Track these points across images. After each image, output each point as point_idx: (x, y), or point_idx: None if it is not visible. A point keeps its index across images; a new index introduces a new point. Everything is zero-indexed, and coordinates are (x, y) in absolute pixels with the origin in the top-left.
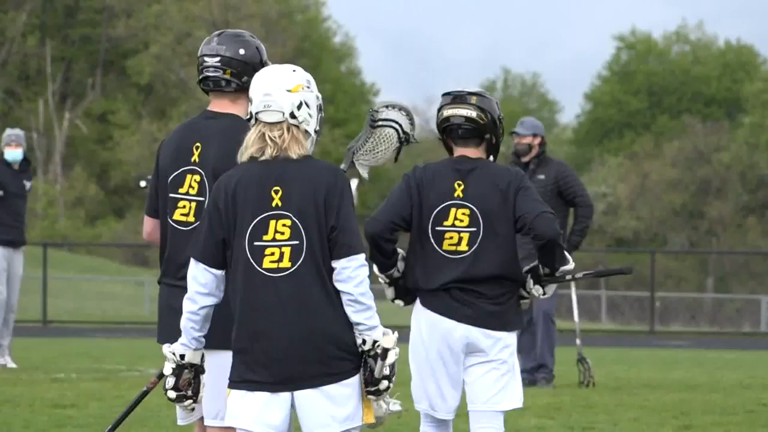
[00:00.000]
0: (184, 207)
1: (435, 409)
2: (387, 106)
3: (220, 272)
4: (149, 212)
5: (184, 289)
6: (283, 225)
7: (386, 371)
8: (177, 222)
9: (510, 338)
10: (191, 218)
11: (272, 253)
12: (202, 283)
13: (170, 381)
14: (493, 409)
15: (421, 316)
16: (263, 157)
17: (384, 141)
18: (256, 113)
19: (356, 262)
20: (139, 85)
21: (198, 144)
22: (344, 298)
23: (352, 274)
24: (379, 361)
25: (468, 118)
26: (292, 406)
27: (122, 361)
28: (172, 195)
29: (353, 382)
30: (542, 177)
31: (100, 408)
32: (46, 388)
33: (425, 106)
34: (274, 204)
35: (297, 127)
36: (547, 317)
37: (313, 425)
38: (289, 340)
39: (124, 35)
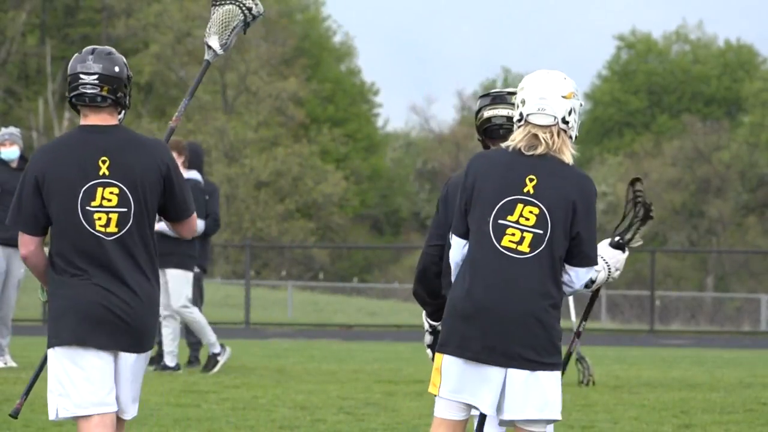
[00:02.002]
0: (101, 219)
1: None
2: None
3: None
4: (30, 230)
5: (105, 290)
6: (530, 212)
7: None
8: (101, 232)
9: None
10: (113, 228)
11: (513, 234)
12: (459, 252)
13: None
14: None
15: None
16: (532, 152)
17: (227, 14)
18: (528, 114)
19: (591, 273)
20: (138, 85)
21: (104, 158)
22: (565, 289)
23: (582, 283)
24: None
25: (509, 118)
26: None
27: None
28: (88, 208)
29: (556, 377)
30: None
31: None
32: (45, 387)
33: (425, 105)
34: (525, 190)
35: (565, 131)
36: None
37: (515, 408)
38: (511, 320)
39: (123, 35)
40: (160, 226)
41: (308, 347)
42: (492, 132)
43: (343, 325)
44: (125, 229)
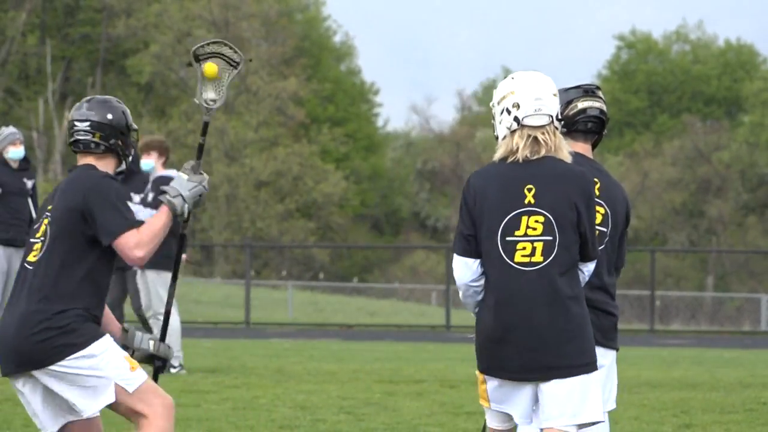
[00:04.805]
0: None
1: None
2: (203, 45)
3: (477, 261)
4: None
5: None
6: (536, 221)
7: None
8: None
9: None
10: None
11: (524, 248)
12: (472, 271)
13: None
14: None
15: None
16: (536, 156)
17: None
18: (524, 117)
19: (593, 266)
20: (139, 85)
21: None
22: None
23: (589, 278)
24: None
25: (602, 111)
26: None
27: None
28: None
29: (589, 379)
30: None
31: None
32: None
33: (425, 105)
34: (526, 201)
35: (557, 129)
36: None
37: (554, 415)
38: (539, 332)
39: (123, 34)
40: None
41: (308, 347)
42: (579, 125)
43: (343, 325)
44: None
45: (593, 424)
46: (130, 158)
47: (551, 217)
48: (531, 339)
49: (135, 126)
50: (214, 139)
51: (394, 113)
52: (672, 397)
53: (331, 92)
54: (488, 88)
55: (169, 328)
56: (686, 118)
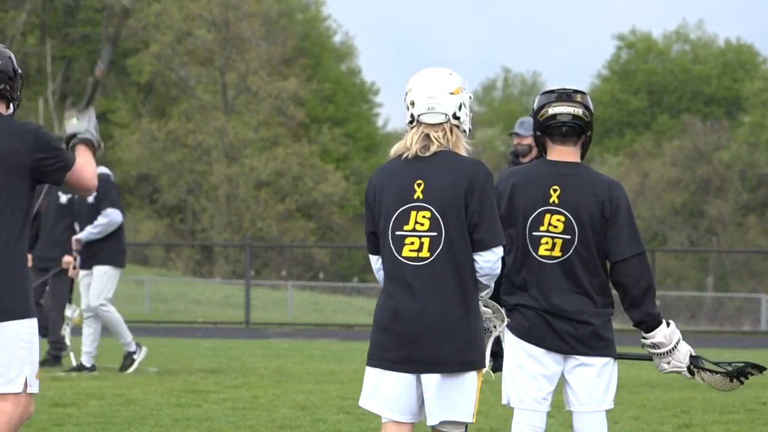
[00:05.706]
0: None
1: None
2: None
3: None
4: None
5: None
6: (423, 217)
7: None
8: None
9: None
10: None
11: (412, 243)
12: (375, 268)
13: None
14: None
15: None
16: (426, 153)
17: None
18: (419, 115)
19: (494, 255)
20: (139, 84)
21: None
22: (481, 279)
23: (494, 267)
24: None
25: (575, 116)
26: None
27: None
28: None
29: (469, 377)
30: None
31: (100, 406)
32: (46, 387)
33: None
34: (415, 197)
35: (457, 127)
36: None
37: (435, 411)
38: (422, 326)
39: (124, 35)
40: (84, 234)
41: (308, 347)
42: (554, 129)
43: (343, 325)
44: None
45: (461, 424)
46: (17, 102)
47: (437, 213)
48: (413, 331)
49: (20, 71)
50: (214, 139)
51: (394, 113)
52: (672, 397)
53: (331, 92)
54: (488, 88)
55: (110, 320)
56: (686, 118)
